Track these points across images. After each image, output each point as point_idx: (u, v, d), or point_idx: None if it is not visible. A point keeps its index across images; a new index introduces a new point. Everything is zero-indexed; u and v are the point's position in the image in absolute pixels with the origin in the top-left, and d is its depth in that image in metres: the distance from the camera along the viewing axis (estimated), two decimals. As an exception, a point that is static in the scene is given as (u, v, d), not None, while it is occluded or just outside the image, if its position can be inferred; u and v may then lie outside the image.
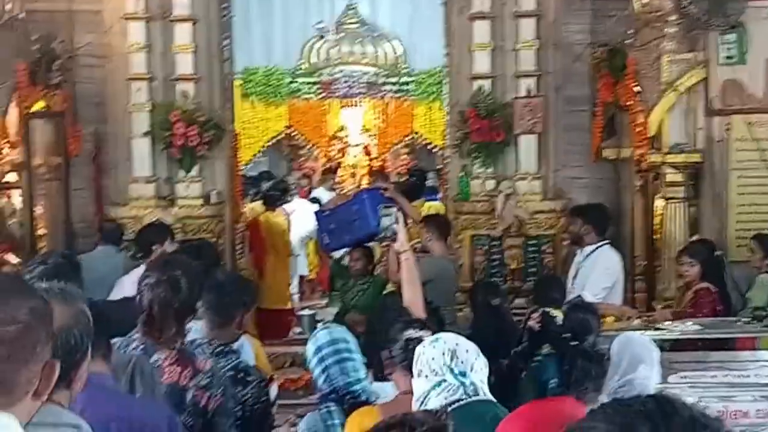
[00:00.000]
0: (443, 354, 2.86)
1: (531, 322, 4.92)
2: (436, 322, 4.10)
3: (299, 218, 10.02)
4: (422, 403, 2.84)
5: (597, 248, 6.41)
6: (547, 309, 4.99)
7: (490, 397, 2.95)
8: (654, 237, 7.75)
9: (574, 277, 6.48)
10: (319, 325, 8.83)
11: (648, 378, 3.84)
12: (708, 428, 1.27)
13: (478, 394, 2.85)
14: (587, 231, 6.47)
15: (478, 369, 2.89)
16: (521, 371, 4.81)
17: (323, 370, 3.65)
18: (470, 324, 5.63)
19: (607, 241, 6.48)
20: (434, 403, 2.78)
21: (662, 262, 7.61)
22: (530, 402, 3.69)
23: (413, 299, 4.20)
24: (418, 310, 4.11)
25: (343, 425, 3.38)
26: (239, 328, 3.95)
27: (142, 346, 3.27)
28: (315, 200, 11.33)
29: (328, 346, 3.66)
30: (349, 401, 3.56)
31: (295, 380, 5.91)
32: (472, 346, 2.94)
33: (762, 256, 6.70)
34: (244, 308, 3.95)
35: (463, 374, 2.83)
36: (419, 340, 3.13)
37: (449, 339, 2.94)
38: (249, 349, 4.19)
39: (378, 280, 7.17)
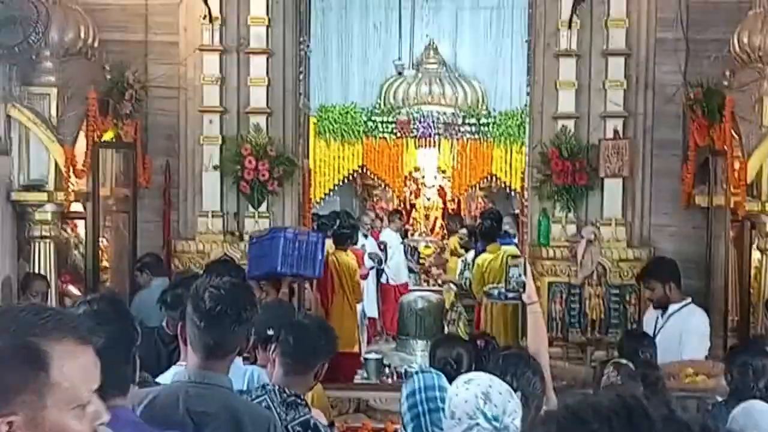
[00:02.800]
0: (476, 396, 2.77)
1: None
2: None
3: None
4: None
5: (681, 307, 6.00)
6: (620, 360, 4.64)
7: None
8: (749, 291, 7.21)
9: (654, 337, 6.08)
10: (386, 369, 8.66)
11: None
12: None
13: None
14: (672, 290, 6.09)
15: (512, 411, 2.76)
16: None
17: (413, 418, 3.43)
18: None
19: (690, 300, 6.07)
20: None
21: (757, 319, 7.09)
22: None
23: (538, 351, 3.99)
24: (544, 363, 3.89)
25: None
26: (315, 378, 3.62)
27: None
28: (382, 243, 11.04)
29: (422, 392, 3.44)
30: None
31: (356, 428, 5.55)
32: (505, 388, 2.82)
33: None
34: (324, 358, 3.61)
35: (496, 419, 2.72)
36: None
37: (482, 380, 2.84)
38: (256, 376, 3.91)
39: None
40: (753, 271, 7.26)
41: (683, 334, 5.85)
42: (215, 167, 8.08)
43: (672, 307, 6.06)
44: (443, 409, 3.37)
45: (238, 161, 7.95)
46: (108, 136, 7.60)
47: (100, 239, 7.64)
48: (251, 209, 8.12)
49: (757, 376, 4.45)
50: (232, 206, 8.19)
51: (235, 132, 8.15)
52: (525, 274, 4.28)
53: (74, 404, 1.61)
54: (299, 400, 3.41)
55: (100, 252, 7.62)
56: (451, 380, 4.31)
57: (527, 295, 4.22)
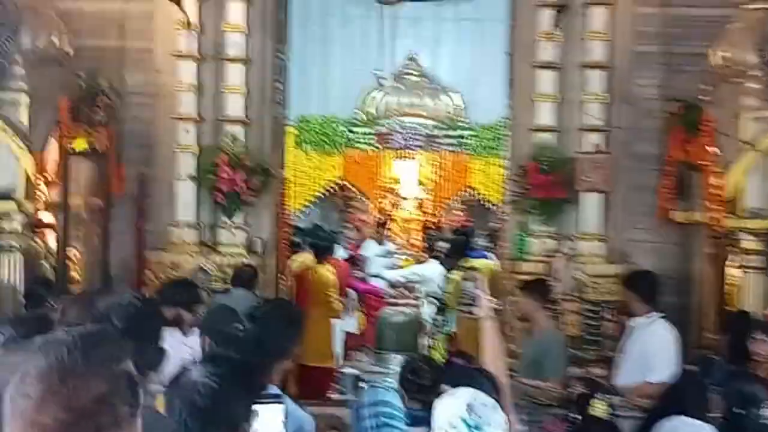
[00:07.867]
0: (459, 406, 2.79)
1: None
2: None
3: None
4: None
5: (649, 323, 5.88)
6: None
7: None
8: (726, 308, 7.15)
9: (621, 351, 6.01)
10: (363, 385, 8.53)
11: None
12: None
13: None
14: (631, 300, 6.00)
15: (497, 424, 2.77)
16: None
17: (361, 430, 3.48)
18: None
19: (658, 315, 5.92)
20: None
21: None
22: None
23: (496, 369, 3.89)
24: (500, 377, 3.80)
25: None
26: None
27: None
28: (353, 257, 10.89)
29: (369, 406, 3.50)
30: None
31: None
32: (490, 401, 2.82)
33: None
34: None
35: (478, 428, 2.73)
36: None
37: (468, 393, 2.86)
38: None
39: None
40: (730, 289, 7.20)
41: (648, 350, 5.76)
42: (190, 177, 7.97)
43: (637, 321, 5.95)
44: (387, 424, 3.37)
45: (213, 171, 7.84)
46: (80, 144, 7.47)
47: (71, 250, 7.49)
48: (226, 220, 8.01)
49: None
50: (207, 217, 8.07)
51: (210, 141, 8.04)
52: (478, 287, 4.17)
53: None
54: None
55: (70, 263, 7.47)
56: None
57: (480, 308, 4.14)
